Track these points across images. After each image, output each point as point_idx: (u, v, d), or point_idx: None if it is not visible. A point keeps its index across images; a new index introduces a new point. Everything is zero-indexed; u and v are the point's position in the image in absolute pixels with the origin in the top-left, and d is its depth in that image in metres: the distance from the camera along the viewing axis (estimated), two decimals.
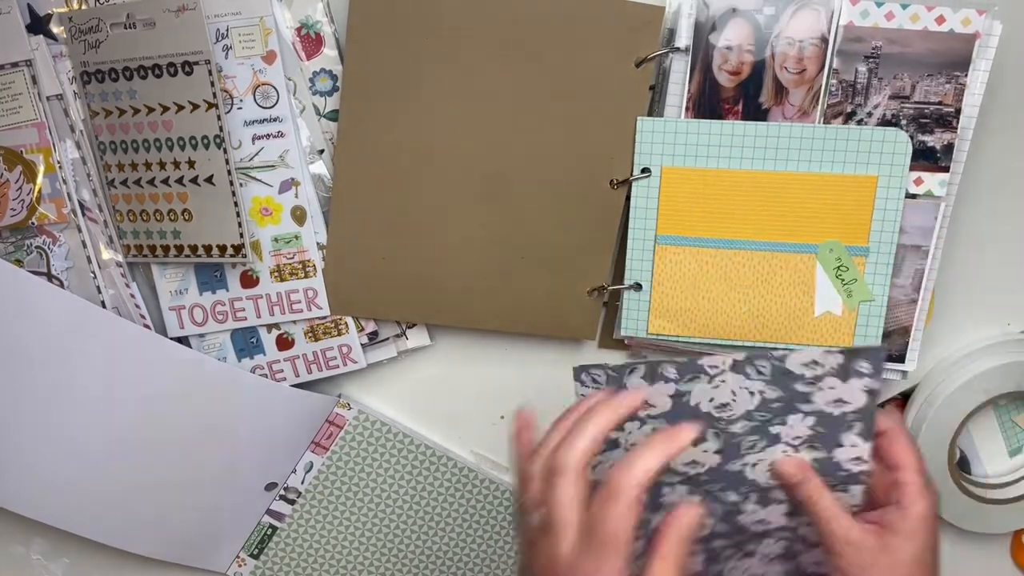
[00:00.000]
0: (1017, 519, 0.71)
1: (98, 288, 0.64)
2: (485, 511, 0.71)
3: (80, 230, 0.63)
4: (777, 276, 0.61)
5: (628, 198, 0.61)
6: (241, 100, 0.61)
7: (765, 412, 0.57)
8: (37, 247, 0.63)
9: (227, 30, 0.60)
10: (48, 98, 0.61)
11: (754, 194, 0.60)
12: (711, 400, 0.57)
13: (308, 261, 0.64)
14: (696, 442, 0.55)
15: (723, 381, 0.56)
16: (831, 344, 0.61)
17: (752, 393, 0.56)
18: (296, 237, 0.63)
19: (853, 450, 0.57)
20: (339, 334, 0.65)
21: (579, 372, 0.56)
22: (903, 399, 0.69)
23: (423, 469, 0.70)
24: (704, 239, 0.61)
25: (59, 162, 0.62)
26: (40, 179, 0.62)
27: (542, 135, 0.61)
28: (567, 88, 0.60)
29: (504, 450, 0.70)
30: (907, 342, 0.63)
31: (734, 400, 0.57)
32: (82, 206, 0.63)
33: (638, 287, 0.62)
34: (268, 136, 0.62)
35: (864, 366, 0.54)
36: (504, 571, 0.73)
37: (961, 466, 0.71)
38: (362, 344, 0.66)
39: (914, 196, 0.60)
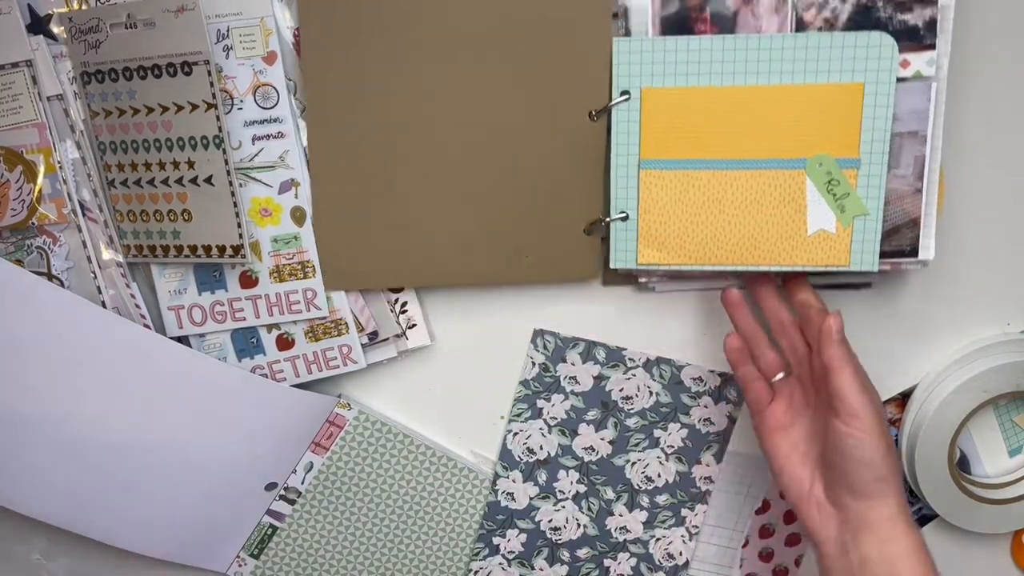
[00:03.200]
0: (1017, 519, 0.70)
1: (98, 288, 0.64)
2: (485, 511, 0.71)
3: (80, 230, 0.63)
4: (766, 195, 0.59)
5: (610, 131, 0.60)
6: (241, 100, 0.61)
7: (655, 414, 0.68)
8: (37, 247, 0.63)
9: (228, 30, 0.60)
10: (48, 98, 0.62)
11: (738, 110, 0.58)
12: (621, 390, 0.68)
13: (307, 262, 0.64)
14: (597, 427, 0.68)
15: (634, 374, 0.67)
16: (827, 264, 0.59)
17: (651, 393, 0.68)
18: (295, 238, 0.63)
19: (707, 468, 0.70)
20: (339, 334, 0.65)
21: (537, 335, 0.67)
22: (903, 399, 0.69)
23: (423, 469, 0.70)
24: (689, 161, 0.59)
25: (59, 162, 0.62)
26: (40, 179, 0.62)
27: (512, 79, 0.60)
28: (530, 26, 0.59)
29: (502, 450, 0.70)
30: (917, 234, 0.60)
31: (637, 395, 0.68)
32: (82, 206, 0.63)
33: (625, 217, 0.61)
34: (268, 136, 0.62)
35: (731, 393, 0.68)
36: None
37: (961, 466, 0.71)
38: (362, 344, 0.66)
39: (903, 80, 0.57)
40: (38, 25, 0.60)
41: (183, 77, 0.59)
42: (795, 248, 0.60)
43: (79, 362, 0.63)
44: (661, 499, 0.70)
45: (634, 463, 0.69)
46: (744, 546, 0.73)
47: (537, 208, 0.62)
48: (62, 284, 0.63)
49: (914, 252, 0.60)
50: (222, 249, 0.62)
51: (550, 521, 0.71)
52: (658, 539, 0.71)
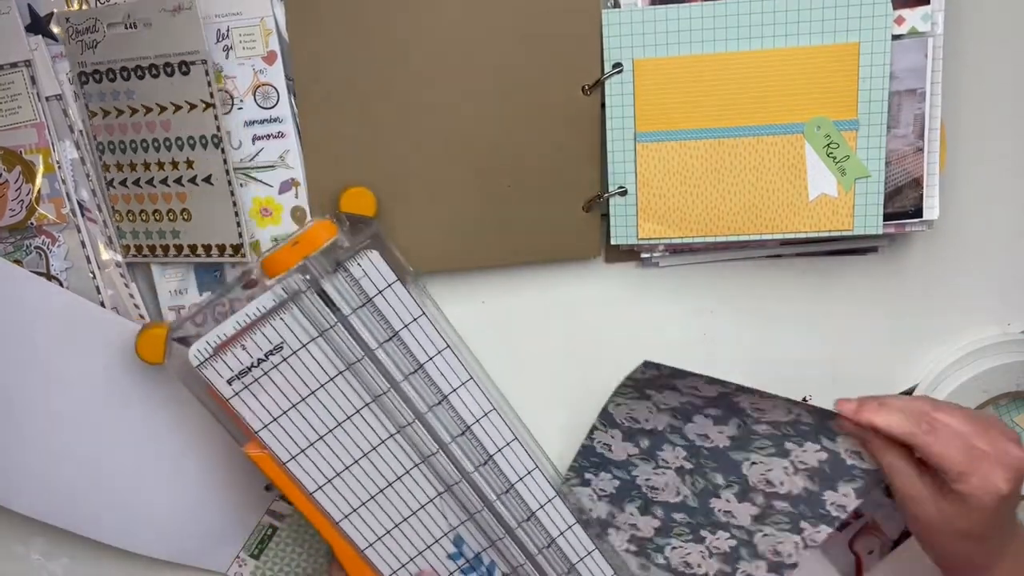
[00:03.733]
0: None
1: (97, 288, 0.64)
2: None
3: (79, 230, 0.63)
4: (765, 162, 0.59)
5: (604, 106, 0.60)
6: (241, 100, 0.61)
7: (791, 430, 0.59)
8: (36, 247, 0.63)
9: (228, 30, 0.59)
10: (47, 98, 0.61)
11: (733, 77, 0.58)
12: (752, 401, 0.58)
13: None
14: (716, 421, 0.60)
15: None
16: (830, 229, 0.59)
17: (789, 411, 0.58)
18: None
19: (843, 498, 0.60)
20: None
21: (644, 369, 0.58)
22: None
23: None
24: (685, 131, 0.59)
25: (58, 162, 0.62)
26: (39, 179, 0.62)
27: (503, 57, 0.60)
28: (518, 2, 0.59)
29: None
30: (920, 194, 0.59)
31: (773, 408, 0.58)
32: (81, 206, 0.63)
33: (623, 192, 0.61)
34: (268, 136, 0.62)
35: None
36: None
37: None
38: None
39: (898, 37, 0.57)
40: (38, 25, 0.60)
41: (181, 77, 0.59)
42: (797, 215, 0.59)
43: (77, 360, 0.63)
44: (779, 505, 0.62)
45: (754, 463, 0.61)
46: None
47: (534, 187, 0.62)
48: (61, 284, 0.63)
49: (918, 213, 0.60)
50: (222, 248, 0.62)
51: (648, 480, 0.64)
52: (766, 535, 0.63)
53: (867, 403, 0.55)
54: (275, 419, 0.59)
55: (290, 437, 0.60)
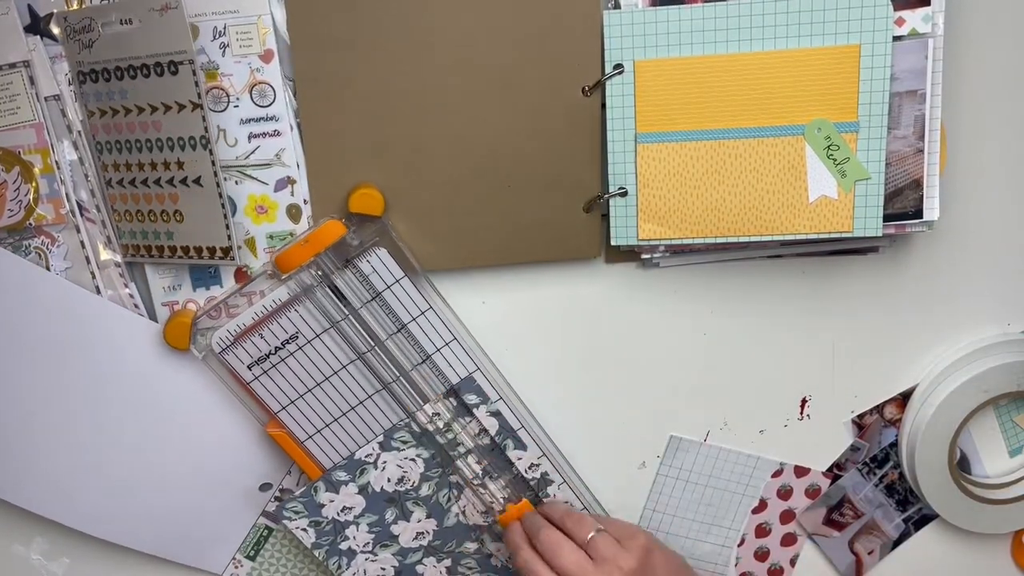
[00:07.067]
0: (1017, 519, 0.70)
1: (97, 288, 0.64)
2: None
3: (78, 230, 0.63)
4: (766, 163, 0.59)
5: (604, 107, 0.60)
6: (238, 98, 0.61)
7: None
8: (35, 248, 0.63)
9: (224, 28, 0.60)
10: (46, 98, 0.61)
11: (734, 78, 0.58)
12: None
13: None
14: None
15: None
16: (829, 231, 0.59)
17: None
18: (291, 235, 0.63)
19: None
20: None
21: None
22: (903, 399, 0.69)
23: None
24: (686, 132, 0.59)
25: (57, 163, 0.62)
26: (38, 180, 0.62)
27: (503, 58, 0.59)
28: (518, 3, 0.59)
29: None
30: (921, 195, 0.59)
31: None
32: (80, 206, 0.63)
33: (624, 193, 0.61)
34: (264, 135, 0.61)
35: None
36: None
37: (961, 466, 0.71)
38: None
39: (899, 38, 0.57)
40: (36, 25, 0.60)
41: (170, 77, 0.59)
42: (797, 216, 0.59)
43: (76, 354, 0.63)
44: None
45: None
46: (740, 545, 0.72)
47: (534, 187, 0.62)
48: None
49: (918, 214, 0.60)
50: (212, 251, 0.62)
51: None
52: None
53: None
54: (292, 401, 0.65)
55: (306, 418, 0.66)
